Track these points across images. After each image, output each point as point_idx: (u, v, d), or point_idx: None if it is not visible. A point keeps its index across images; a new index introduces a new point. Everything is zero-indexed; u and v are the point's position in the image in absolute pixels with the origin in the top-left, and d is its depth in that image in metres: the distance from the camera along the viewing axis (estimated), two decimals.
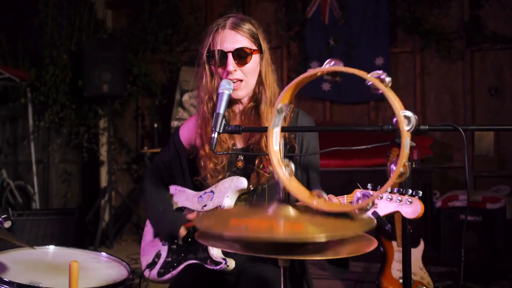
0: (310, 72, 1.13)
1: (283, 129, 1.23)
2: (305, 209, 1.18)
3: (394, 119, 1.05)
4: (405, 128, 1.03)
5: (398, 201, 1.41)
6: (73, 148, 5.77)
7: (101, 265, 1.71)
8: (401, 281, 2.81)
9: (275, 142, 1.20)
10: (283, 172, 1.16)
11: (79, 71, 5.42)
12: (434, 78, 4.98)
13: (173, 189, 1.89)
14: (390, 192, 1.42)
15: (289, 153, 1.70)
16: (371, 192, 1.44)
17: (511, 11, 4.72)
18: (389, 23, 5.02)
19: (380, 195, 1.40)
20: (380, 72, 1.07)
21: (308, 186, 1.72)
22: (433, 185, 4.31)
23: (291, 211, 1.16)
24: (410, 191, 1.41)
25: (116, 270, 1.65)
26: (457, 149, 4.85)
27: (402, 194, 1.41)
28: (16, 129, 5.75)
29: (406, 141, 1.02)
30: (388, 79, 1.07)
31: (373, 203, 1.39)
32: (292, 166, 1.17)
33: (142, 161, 5.73)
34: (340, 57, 5.33)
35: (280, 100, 1.18)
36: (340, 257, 1.11)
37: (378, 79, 1.06)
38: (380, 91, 1.06)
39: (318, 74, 1.13)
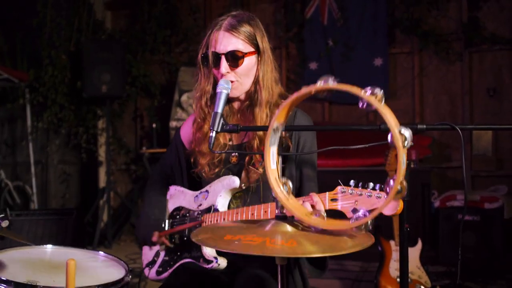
0: (304, 90, 1.13)
1: None
2: (302, 225, 1.18)
3: (389, 135, 1.02)
4: (401, 145, 1.01)
5: (377, 198, 1.32)
6: (71, 149, 5.77)
7: (99, 264, 1.71)
8: (399, 280, 2.81)
9: (272, 161, 1.19)
10: (281, 190, 1.16)
11: (78, 72, 5.42)
12: (433, 79, 4.99)
13: (172, 189, 1.90)
14: (371, 189, 1.34)
15: (284, 152, 1.69)
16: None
17: (509, 12, 4.73)
18: (388, 24, 5.01)
19: (360, 192, 1.34)
20: (372, 88, 1.05)
21: (301, 183, 1.71)
22: (431, 185, 4.31)
23: (287, 227, 1.16)
24: None
25: (114, 269, 1.65)
26: (455, 149, 4.86)
27: (382, 190, 1.32)
28: (14, 130, 5.74)
29: (403, 158, 1.00)
30: (381, 94, 1.05)
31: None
32: (290, 184, 1.16)
33: (141, 161, 5.72)
34: (338, 58, 5.32)
35: (275, 119, 1.18)
36: (320, 255, 1.09)
37: (372, 96, 1.05)
38: (374, 108, 1.04)
39: (313, 92, 1.13)
